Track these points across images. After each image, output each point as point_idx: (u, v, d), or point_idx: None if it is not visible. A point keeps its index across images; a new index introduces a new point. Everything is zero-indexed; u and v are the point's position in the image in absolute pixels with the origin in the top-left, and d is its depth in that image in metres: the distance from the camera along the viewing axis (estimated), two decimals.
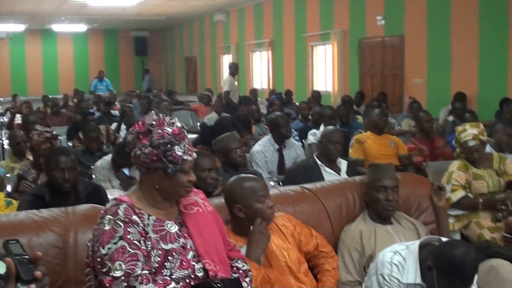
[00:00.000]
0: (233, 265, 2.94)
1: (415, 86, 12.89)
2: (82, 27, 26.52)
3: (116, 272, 2.54)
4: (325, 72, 16.27)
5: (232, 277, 2.84)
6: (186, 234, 2.79)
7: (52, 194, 4.33)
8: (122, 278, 2.53)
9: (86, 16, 23.29)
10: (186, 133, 2.77)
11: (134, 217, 2.68)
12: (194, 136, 7.26)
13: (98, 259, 2.61)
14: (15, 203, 4.48)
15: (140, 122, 2.75)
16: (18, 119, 10.32)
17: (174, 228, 2.78)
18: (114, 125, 9.32)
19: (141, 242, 2.65)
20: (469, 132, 5.22)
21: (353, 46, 14.92)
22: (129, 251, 2.58)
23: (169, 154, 2.68)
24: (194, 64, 26.18)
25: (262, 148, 6.35)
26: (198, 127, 9.92)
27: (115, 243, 2.59)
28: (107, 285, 2.55)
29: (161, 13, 22.68)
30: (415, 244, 3.19)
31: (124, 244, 2.59)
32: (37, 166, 5.56)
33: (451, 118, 9.42)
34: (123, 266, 2.55)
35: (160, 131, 2.68)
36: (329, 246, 3.67)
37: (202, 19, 24.45)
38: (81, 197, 4.39)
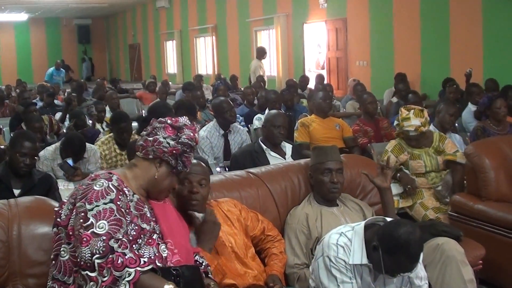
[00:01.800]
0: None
1: (359, 69, 13.02)
2: (23, 16, 26.02)
3: (99, 229, 2.59)
4: (269, 56, 16.30)
5: (189, 264, 2.89)
6: (154, 219, 2.89)
7: (5, 171, 4.62)
8: (104, 237, 2.58)
9: (26, 5, 22.83)
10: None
11: (125, 189, 2.78)
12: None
13: (81, 214, 2.64)
14: None
15: (174, 119, 2.90)
16: None
17: (148, 213, 2.86)
18: (58, 115, 9.17)
19: (125, 212, 2.72)
20: (413, 123, 5.31)
21: (297, 30, 14.96)
22: (115, 215, 2.65)
23: (185, 156, 2.88)
24: (138, 51, 25.96)
25: (207, 133, 6.32)
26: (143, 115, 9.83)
27: (105, 204, 2.66)
28: (84, 239, 2.57)
29: (103, 0, 22.38)
30: (360, 225, 3.22)
31: (113, 207, 2.66)
32: None
33: (395, 99, 9.54)
34: (107, 226, 2.61)
35: (191, 134, 2.86)
36: (276, 230, 3.70)
37: (145, 5, 24.22)
38: (34, 179, 4.65)
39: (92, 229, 2.59)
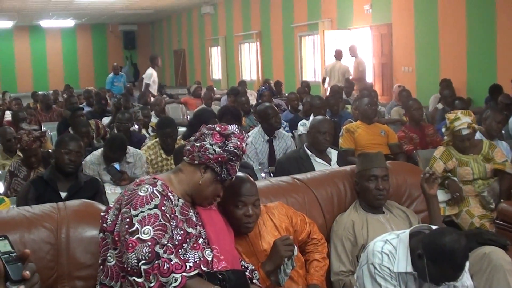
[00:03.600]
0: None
1: (404, 75, 12.92)
2: (70, 23, 26.46)
3: (144, 235, 2.60)
4: (313, 62, 16.27)
5: (235, 269, 2.88)
6: (200, 224, 2.89)
7: (53, 174, 4.68)
8: (149, 243, 2.58)
9: (73, 11, 23.22)
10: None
11: (169, 194, 2.79)
12: (184, 129, 7.27)
13: (127, 220, 2.66)
14: (7, 200, 4.48)
15: (223, 126, 2.91)
16: (8, 116, 10.30)
17: (193, 217, 2.87)
18: (105, 120, 9.29)
19: (170, 217, 2.73)
20: (463, 120, 5.23)
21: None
22: (160, 220, 2.66)
23: (231, 164, 2.87)
24: (183, 57, 26.14)
25: (252, 139, 6.34)
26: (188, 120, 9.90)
27: (150, 209, 2.67)
28: (130, 245, 2.59)
29: (149, 6, 22.63)
30: (405, 233, 3.19)
31: (158, 212, 2.67)
32: (28, 164, 5.58)
33: (440, 105, 9.44)
34: (152, 232, 2.61)
35: (239, 142, 2.85)
36: (320, 234, 3.65)
37: (190, 11, 24.39)
38: (80, 182, 4.70)
39: (137, 235, 2.60)
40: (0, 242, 1.66)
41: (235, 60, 20.94)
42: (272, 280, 3.17)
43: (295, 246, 3.20)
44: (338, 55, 13.75)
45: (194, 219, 2.86)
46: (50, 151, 6.10)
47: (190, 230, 2.80)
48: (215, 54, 23.00)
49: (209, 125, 2.94)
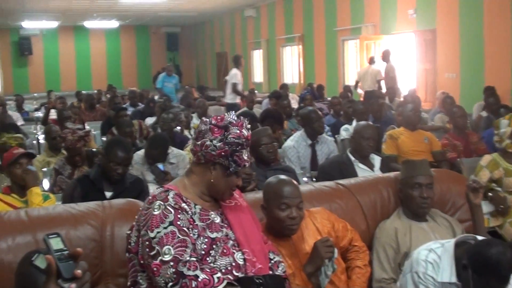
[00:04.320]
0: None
1: (448, 81, 12.77)
2: (114, 24, 26.75)
3: (165, 256, 2.56)
4: (356, 66, 16.19)
5: (273, 273, 2.87)
6: (226, 225, 2.83)
7: (99, 174, 4.70)
8: (171, 263, 2.54)
9: (117, 13, 23.47)
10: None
11: (183, 205, 2.73)
12: None
13: (146, 243, 2.63)
14: (53, 197, 4.56)
15: (219, 117, 2.80)
16: (53, 114, 10.46)
17: (217, 219, 2.82)
18: (149, 120, 9.38)
19: (189, 229, 2.68)
20: None
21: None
22: (178, 236, 2.61)
23: (236, 155, 2.77)
24: (225, 59, 26.22)
25: (295, 143, 6.33)
26: None
27: (165, 228, 2.61)
28: (155, 268, 2.56)
29: (192, 9, 22.76)
30: (450, 242, 3.15)
31: (174, 229, 2.62)
32: (72, 162, 5.65)
33: (484, 113, 9.31)
34: (172, 251, 2.56)
35: (238, 131, 2.74)
36: (361, 241, 3.64)
37: (233, 14, 24.48)
38: (125, 183, 4.70)
39: (159, 257, 2.57)
40: (53, 239, 1.67)
41: (277, 63, 20.94)
42: (313, 282, 3.17)
43: (335, 249, 3.19)
44: (371, 59, 13.73)
45: (218, 221, 2.82)
46: (94, 150, 6.17)
47: (214, 235, 2.75)
48: (257, 57, 23.04)
49: (204, 118, 2.86)
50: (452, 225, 3.85)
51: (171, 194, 2.73)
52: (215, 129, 2.75)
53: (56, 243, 1.66)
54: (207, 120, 2.81)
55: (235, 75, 13.34)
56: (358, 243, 3.61)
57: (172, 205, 2.68)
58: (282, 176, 3.37)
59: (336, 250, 3.18)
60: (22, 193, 4.47)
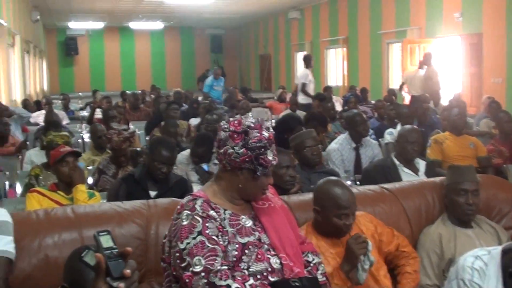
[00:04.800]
0: (304, 258, 2.93)
1: (494, 86, 12.58)
2: (158, 25, 26.97)
3: (196, 267, 2.55)
4: (401, 70, 16.05)
5: (310, 276, 2.84)
6: (259, 228, 2.80)
7: (144, 173, 4.73)
8: (202, 274, 2.53)
9: (162, 14, 23.68)
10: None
11: (212, 212, 2.70)
12: None
13: (177, 254, 2.63)
14: (98, 195, 4.60)
15: (236, 122, 2.75)
16: (98, 113, 10.59)
17: (248, 223, 2.79)
18: (193, 121, 9.44)
19: (219, 237, 2.66)
20: None
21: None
22: (208, 246, 2.59)
23: (261, 158, 2.71)
24: (268, 61, 26.24)
25: (339, 146, 6.30)
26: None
27: (194, 238, 2.60)
28: (187, 280, 2.56)
29: (236, 11, 22.84)
30: (497, 250, 3.09)
31: (203, 239, 2.60)
32: (117, 163, 5.70)
33: None
34: (202, 262, 2.55)
35: (258, 134, 2.69)
36: (410, 247, 3.61)
37: (277, 16, 24.48)
38: (170, 182, 4.73)
39: (190, 269, 2.56)
40: (103, 237, 1.67)
41: (321, 66, 20.88)
42: (351, 279, 3.16)
43: (369, 242, 3.18)
44: (421, 63, 13.55)
45: (249, 225, 2.79)
46: (138, 149, 6.22)
47: (245, 240, 2.73)
48: (301, 59, 22.97)
49: (222, 124, 2.81)
50: (498, 232, 3.80)
51: (198, 203, 2.71)
52: (235, 136, 2.70)
53: (106, 241, 1.66)
54: (225, 126, 2.76)
55: (305, 75, 13.09)
56: (407, 249, 3.58)
57: (200, 214, 2.67)
58: (340, 181, 3.40)
59: (370, 243, 3.18)
60: (68, 190, 4.53)
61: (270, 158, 2.72)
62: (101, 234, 1.68)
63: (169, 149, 4.75)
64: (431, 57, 13.08)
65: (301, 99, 12.74)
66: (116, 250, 1.65)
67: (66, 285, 2.62)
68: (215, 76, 15.50)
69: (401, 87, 13.83)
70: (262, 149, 2.69)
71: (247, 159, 2.70)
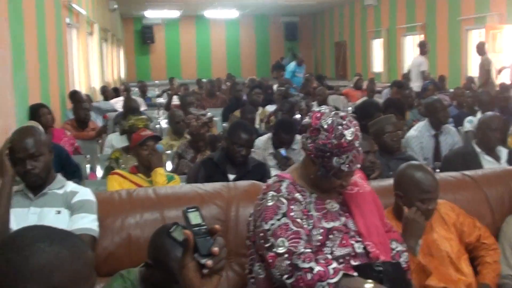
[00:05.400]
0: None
1: None
2: (234, 13, 27.05)
3: (279, 248, 2.56)
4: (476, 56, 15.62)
5: (393, 261, 2.82)
6: (347, 214, 2.80)
7: (223, 157, 4.83)
8: (286, 255, 2.54)
9: (237, 2, 23.74)
10: (357, 144, 2.68)
11: (297, 195, 2.71)
12: None
13: (261, 234, 2.66)
14: (177, 178, 4.68)
15: (318, 115, 2.72)
16: (175, 100, 10.74)
17: (335, 207, 2.79)
18: (269, 108, 9.47)
19: (303, 220, 2.66)
20: None
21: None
22: (291, 228, 2.60)
23: (325, 161, 2.68)
24: (343, 49, 26.03)
25: (418, 133, 6.20)
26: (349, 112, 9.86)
27: (278, 220, 2.62)
28: (270, 260, 2.58)
29: None
30: None
31: (287, 221, 2.61)
32: (196, 147, 5.78)
33: None
34: (286, 243, 2.57)
35: (326, 138, 2.65)
36: (492, 238, 3.53)
37: (353, 3, 24.21)
38: (248, 166, 4.82)
39: (274, 249, 2.58)
40: (192, 213, 1.66)
41: (397, 53, 20.56)
42: (413, 253, 3.14)
43: None
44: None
45: (336, 210, 2.78)
46: (216, 134, 6.29)
47: (330, 225, 2.73)
48: (377, 47, 22.71)
49: (311, 112, 2.78)
50: None
51: (284, 184, 2.73)
52: (310, 128, 2.70)
53: (194, 218, 1.65)
54: (310, 114, 2.77)
55: (423, 62, 12.79)
56: (488, 241, 3.51)
57: (285, 196, 2.68)
58: (423, 166, 3.39)
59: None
60: (147, 173, 4.61)
61: (335, 164, 2.66)
62: (190, 210, 1.67)
63: (248, 132, 4.82)
64: (484, 45, 12.72)
65: (416, 86, 12.31)
66: (205, 227, 1.64)
67: (149, 261, 2.68)
68: (299, 62, 15.11)
69: (500, 71, 13.39)
70: (327, 154, 2.65)
71: (312, 155, 2.71)
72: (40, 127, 4.39)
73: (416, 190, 3.21)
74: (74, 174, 5.52)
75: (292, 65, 15.18)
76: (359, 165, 2.72)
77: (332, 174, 2.69)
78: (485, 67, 12.43)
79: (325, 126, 2.65)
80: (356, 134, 2.66)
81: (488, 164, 5.03)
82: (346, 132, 2.63)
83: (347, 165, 2.66)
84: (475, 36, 16.18)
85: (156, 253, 2.65)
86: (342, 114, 2.71)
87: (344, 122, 2.66)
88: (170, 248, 2.52)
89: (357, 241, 2.74)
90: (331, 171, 2.68)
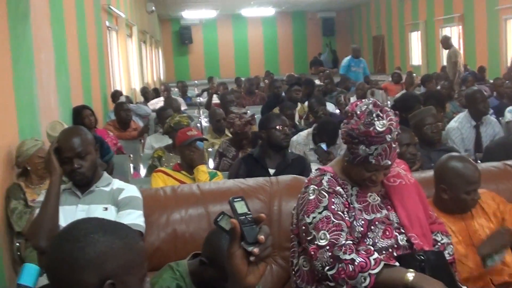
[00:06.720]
0: (432, 238, 2.90)
1: None
2: (270, 11, 27.08)
3: (321, 241, 2.60)
4: None
5: (435, 250, 2.82)
6: (389, 206, 2.81)
7: (263, 151, 4.91)
8: (327, 247, 2.58)
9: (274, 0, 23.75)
10: (389, 139, 2.63)
11: (338, 188, 2.73)
12: None
13: (303, 227, 2.70)
14: (220, 174, 4.74)
15: (358, 102, 2.75)
16: (215, 99, 10.83)
17: (376, 200, 2.80)
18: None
19: (345, 213, 2.69)
20: None
21: None
22: (333, 221, 2.63)
23: (353, 147, 2.69)
24: (381, 43, 25.85)
25: (459, 124, 6.17)
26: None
27: (320, 213, 2.66)
28: (312, 253, 2.62)
29: None
30: None
31: (329, 214, 2.65)
32: (238, 145, 5.83)
33: None
34: (327, 236, 2.60)
35: (355, 124, 2.66)
36: None
37: None
38: (287, 160, 4.87)
39: (316, 242, 2.61)
40: (237, 203, 1.71)
41: (436, 45, 20.34)
42: (484, 265, 3.13)
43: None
44: None
45: (377, 202, 2.80)
46: (257, 132, 6.33)
47: (372, 216, 2.75)
48: (415, 39, 22.50)
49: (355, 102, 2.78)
50: None
51: (325, 178, 2.75)
52: (348, 114, 2.72)
53: (240, 207, 1.70)
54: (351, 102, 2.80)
55: (452, 54, 12.58)
56: None
57: (326, 189, 2.71)
58: (464, 157, 3.38)
59: None
60: (190, 171, 4.67)
61: (362, 152, 2.65)
62: (235, 200, 1.72)
63: (278, 115, 5.21)
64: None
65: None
66: (250, 216, 1.68)
67: (204, 259, 2.73)
68: (354, 55, 14.01)
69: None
70: (355, 140, 2.66)
71: (343, 139, 2.75)
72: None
73: (461, 182, 3.19)
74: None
75: (346, 59, 14.07)
76: (389, 162, 2.68)
77: (359, 163, 2.69)
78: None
79: (358, 112, 2.66)
80: (389, 128, 2.61)
81: None
82: (377, 122, 2.61)
83: (375, 158, 2.64)
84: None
85: (212, 251, 2.70)
86: (380, 106, 2.70)
87: (377, 113, 2.64)
88: (222, 246, 2.54)
89: (400, 233, 2.75)
90: (357, 158, 2.68)
